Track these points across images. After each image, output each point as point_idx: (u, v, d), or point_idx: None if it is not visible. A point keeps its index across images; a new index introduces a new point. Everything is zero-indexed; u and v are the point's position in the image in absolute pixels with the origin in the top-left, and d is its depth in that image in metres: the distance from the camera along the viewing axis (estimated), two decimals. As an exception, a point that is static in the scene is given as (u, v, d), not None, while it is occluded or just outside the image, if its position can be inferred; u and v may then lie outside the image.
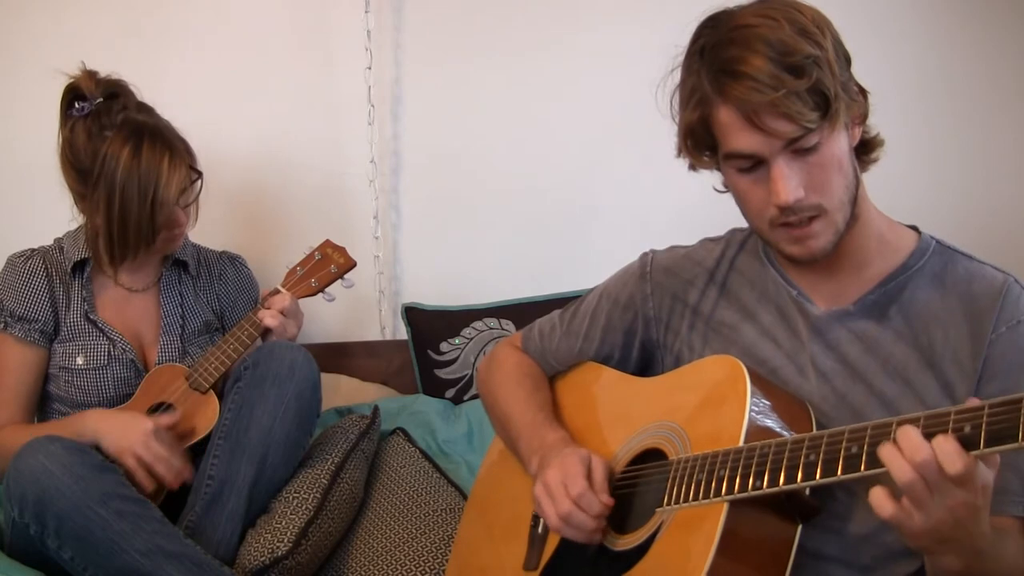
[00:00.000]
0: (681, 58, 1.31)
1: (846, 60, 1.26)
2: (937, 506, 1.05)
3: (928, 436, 1.04)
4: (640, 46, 2.15)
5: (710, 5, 1.31)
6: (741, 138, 1.23)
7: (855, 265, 1.34)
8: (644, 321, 1.53)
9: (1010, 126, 2.38)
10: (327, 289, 2.13)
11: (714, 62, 1.23)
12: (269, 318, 2.03)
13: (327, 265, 2.12)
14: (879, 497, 1.07)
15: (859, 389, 1.31)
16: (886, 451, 1.05)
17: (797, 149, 1.22)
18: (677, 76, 1.32)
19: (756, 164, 1.25)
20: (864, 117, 1.30)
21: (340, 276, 2.13)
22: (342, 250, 2.14)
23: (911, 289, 1.32)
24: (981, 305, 1.28)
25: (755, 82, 1.18)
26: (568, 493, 1.34)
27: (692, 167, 1.36)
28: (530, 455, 1.48)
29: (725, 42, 1.23)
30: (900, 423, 1.08)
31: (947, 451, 1.02)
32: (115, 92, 1.99)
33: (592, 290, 1.63)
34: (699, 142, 1.29)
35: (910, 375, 1.29)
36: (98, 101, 1.96)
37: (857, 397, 1.31)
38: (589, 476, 1.36)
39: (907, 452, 1.03)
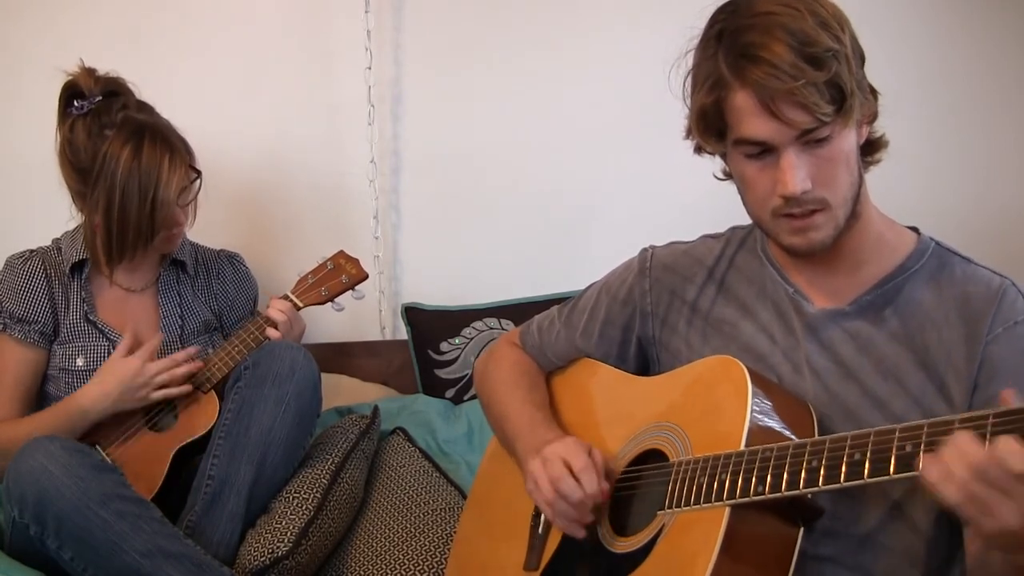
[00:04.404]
0: (695, 42, 1.30)
1: (861, 58, 1.26)
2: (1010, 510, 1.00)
3: (931, 444, 1.03)
4: (641, 47, 2.15)
5: (711, 3, 1.30)
6: (755, 124, 1.22)
7: (853, 264, 1.34)
8: (642, 316, 1.53)
9: (1011, 126, 2.37)
10: (337, 299, 2.14)
11: (733, 46, 1.23)
12: (276, 312, 2.03)
13: (338, 275, 2.12)
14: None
15: (852, 389, 1.31)
16: (933, 469, 1.02)
17: (808, 141, 1.22)
18: (689, 60, 1.31)
19: (764, 151, 1.25)
20: (873, 117, 1.31)
21: (351, 287, 2.13)
22: (355, 261, 2.14)
23: (908, 290, 1.32)
24: (977, 307, 1.27)
25: (775, 69, 1.18)
26: (571, 465, 1.35)
27: (698, 150, 1.35)
28: (527, 454, 1.47)
29: (745, 27, 1.22)
30: (903, 430, 1.07)
31: (1013, 450, 0.98)
32: (114, 90, 1.99)
33: (591, 285, 1.62)
34: (710, 125, 1.28)
35: (903, 375, 1.29)
36: (97, 99, 1.96)
37: (849, 397, 1.30)
38: (588, 455, 1.37)
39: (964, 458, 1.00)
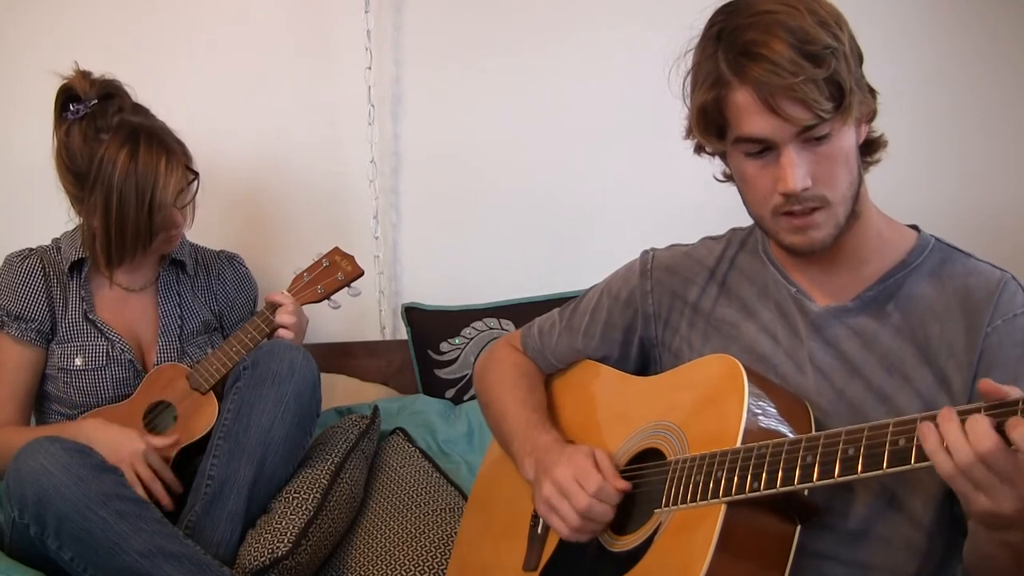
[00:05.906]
0: (695, 42, 1.31)
1: (859, 58, 1.27)
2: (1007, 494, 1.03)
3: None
4: (641, 47, 2.14)
5: (710, 3, 1.31)
6: (755, 121, 1.23)
7: (854, 263, 1.34)
8: (644, 318, 1.53)
9: (1011, 126, 2.37)
10: (333, 296, 2.14)
11: (733, 45, 1.23)
12: (286, 315, 2.03)
13: (334, 272, 2.12)
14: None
15: (857, 385, 1.31)
16: (935, 451, 1.04)
17: (808, 138, 1.22)
18: (688, 60, 1.32)
19: (765, 150, 1.25)
20: (872, 116, 1.31)
21: (346, 284, 2.13)
22: (350, 258, 2.14)
23: (909, 285, 1.32)
24: (977, 300, 1.28)
25: (774, 65, 1.19)
26: (585, 489, 1.34)
27: (699, 150, 1.36)
28: (523, 456, 1.48)
29: (745, 26, 1.23)
30: (896, 424, 1.08)
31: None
32: (110, 93, 1.97)
33: (593, 288, 1.63)
34: (710, 124, 1.29)
35: (907, 370, 1.29)
36: (93, 103, 1.94)
37: (855, 393, 1.31)
38: (597, 468, 1.36)
39: (974, 442, 1.01)
